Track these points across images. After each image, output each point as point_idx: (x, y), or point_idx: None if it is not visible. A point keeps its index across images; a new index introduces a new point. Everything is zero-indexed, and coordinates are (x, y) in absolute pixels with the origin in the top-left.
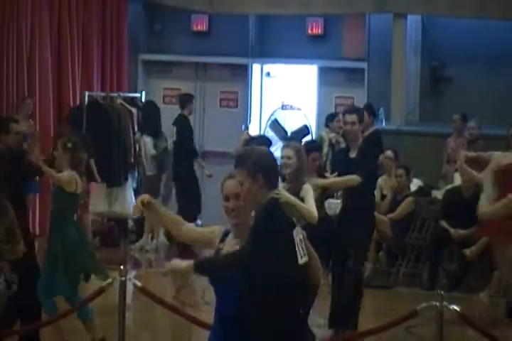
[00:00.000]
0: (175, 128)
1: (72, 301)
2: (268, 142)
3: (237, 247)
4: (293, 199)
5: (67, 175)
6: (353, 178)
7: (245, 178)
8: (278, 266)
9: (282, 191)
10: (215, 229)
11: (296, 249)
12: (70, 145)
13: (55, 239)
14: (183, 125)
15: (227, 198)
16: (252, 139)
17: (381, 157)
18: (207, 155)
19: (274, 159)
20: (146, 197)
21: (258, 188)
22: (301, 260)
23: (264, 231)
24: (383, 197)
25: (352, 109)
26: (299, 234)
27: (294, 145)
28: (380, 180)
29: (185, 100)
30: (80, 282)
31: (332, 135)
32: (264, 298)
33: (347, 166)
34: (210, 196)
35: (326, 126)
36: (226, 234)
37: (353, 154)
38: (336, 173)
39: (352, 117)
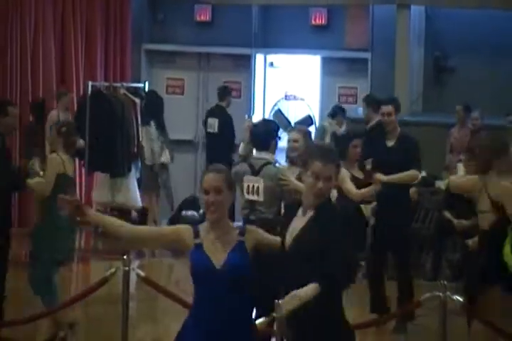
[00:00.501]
0: (216, 121)
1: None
2: (276, 126)
3: (218, 242)
4: (300, 186)
5: (48, 176)
6: (415, 174)
7: (334, 173)
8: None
9: (290, 177)
10: (180, 227)
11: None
12: (64, 129)
13: (43, 222)
14: (225, 117)
15: (207, 192)
16: (256, 126)
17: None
18: None
19: None
20: (74, 200)
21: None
22: None
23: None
24: None
25: (388, 100)
26: None
27: (301, 128)
28: None
29: (224, 92)
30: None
31: (336, 127)
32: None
33: (385, 155)
34: None
35: (332, 117)
36: (197, 229)
37: (390, 143)
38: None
39: (388, 108)
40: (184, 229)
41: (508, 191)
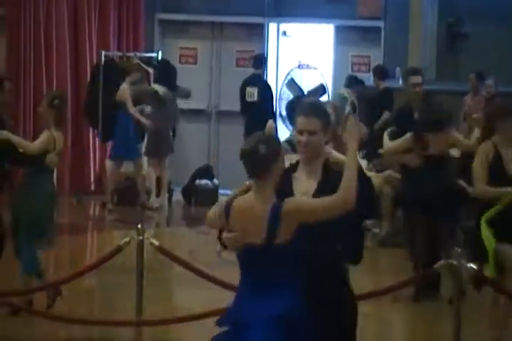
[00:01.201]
0: (256, 89)
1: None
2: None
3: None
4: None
5: (38, 144)
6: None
7: (322, 128)
8: None
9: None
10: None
11: None
12: (56, 101)
13: (29, 188)
14: (264, 85)
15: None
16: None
17: (385, 115)
18: (223, 115)
19: None
20: None
21: (323, 142)
22: None
23: None
24: None
25: (416, 70)
26: None
27: (332, 102)
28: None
29: (260, 60)
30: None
31: (353, 96)
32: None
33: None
34: (225, 157)
35: (348, 86)
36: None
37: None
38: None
39: (417, 78)
40: None
41: None
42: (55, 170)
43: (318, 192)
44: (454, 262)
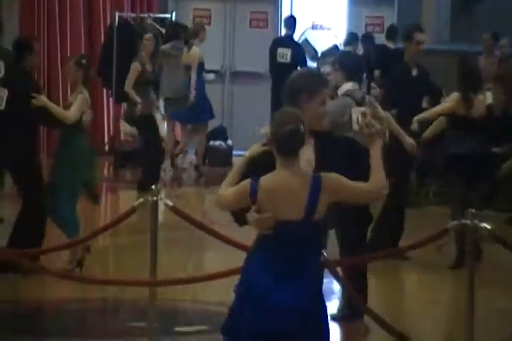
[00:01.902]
0: (289, 51)
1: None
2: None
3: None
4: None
5: (76, 111)
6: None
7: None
8: None
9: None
10: None
11: None
12: (84, 61)
13: (63, 150)
14: (298, 47)
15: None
16: (343, 56)
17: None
18: (237, 76)
19: None
20: None
21: None
22: None
23: None
24: None
25: (421, 28)
26: None
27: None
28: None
29: (292, 22)
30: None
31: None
32: None
33: (411, 84)
34: (239, 118)
35: (346, 44)
36: None
37: (414, 72)
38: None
39: (423, 36)
40: None
41: None
42: None
43: (320, 159)
44: (468, 222)
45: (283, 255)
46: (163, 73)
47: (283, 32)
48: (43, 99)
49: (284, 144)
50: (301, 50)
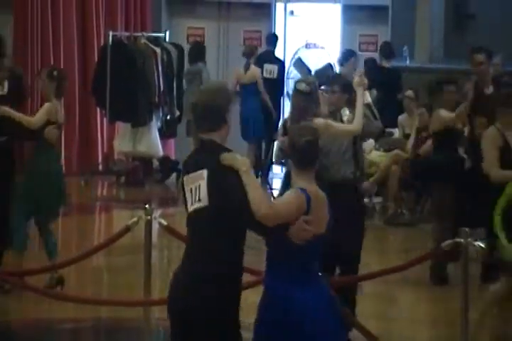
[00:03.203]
0: (276, 67)
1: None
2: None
3: None
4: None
5: (39, 116)
6: None
7: None
8: None
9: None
10: None
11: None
12: (55, 73)
13: (36, 166)
14: (282, 63)
15: None
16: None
17: (400, 95)
18: None
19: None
20: None
21: None
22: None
23: None
24: (405, 135)
25: (478, 48)
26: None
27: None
28: (400, 119)
29: (274, 39)
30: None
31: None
32: None
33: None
34: (234, 136)
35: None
36: None
37: (488, 91)
38: None
39: (480, 57)
40: None
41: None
42: (62, 148)
43: None
44: (462, 241)
45: (312, 266)
46: (187, 95)
47: (277, 51)
48: (4, 109)
49: (303, 155)
50: (283, 67)
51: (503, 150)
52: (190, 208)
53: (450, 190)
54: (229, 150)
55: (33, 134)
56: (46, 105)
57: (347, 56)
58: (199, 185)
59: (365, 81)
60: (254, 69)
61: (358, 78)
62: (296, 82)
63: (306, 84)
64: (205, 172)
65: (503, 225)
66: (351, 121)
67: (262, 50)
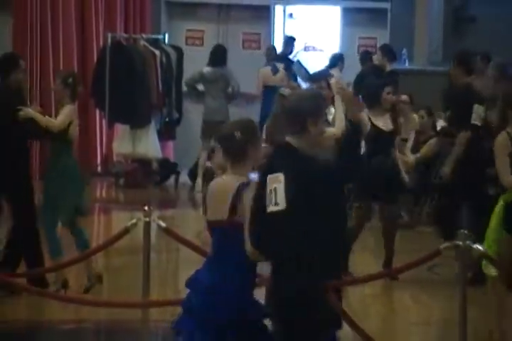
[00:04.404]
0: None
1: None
2: None
3: None
4: None
5: (63, 119)
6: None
7: None
8: None
9: None
10: None
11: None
12: (70, 80)
13: (54, 171)
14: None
15: None
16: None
17: (395, 97)
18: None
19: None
20: None
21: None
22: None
23: None
24: (402, 140)
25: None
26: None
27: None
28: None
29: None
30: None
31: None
32: None
33: None
34: None
35: (331, 67)
36: None
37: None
38: None
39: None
40: None
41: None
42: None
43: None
44: (460, 243)
45: None
46: (205, 98)
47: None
48: (28, 111)
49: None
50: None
51: None
52: (267, 209)
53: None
54: (307, 158)
55: (49, 134)
56: (67, 107)
57: (335, 60)
58: (275, 188)
59: (344, 86)
60: (283, 71)
61: (335, 83)
62: (281, 87)
63: (290, 88)
64: (281, 176)
65: (504, 215)
66: (332, 123)
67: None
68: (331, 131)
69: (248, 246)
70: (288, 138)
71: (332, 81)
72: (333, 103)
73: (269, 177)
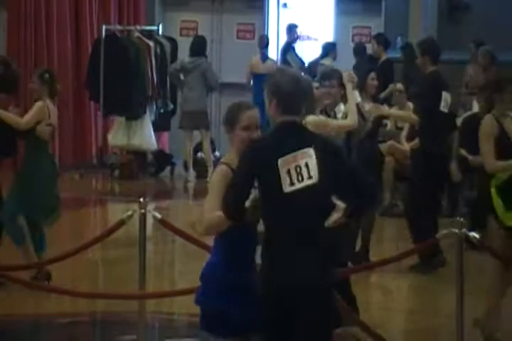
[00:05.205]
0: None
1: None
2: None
3: None
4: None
5: (28, 118)
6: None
7: (266, 98)
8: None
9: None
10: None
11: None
12: (47, 76)
13: (29, 168)
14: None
15: (247, 128)
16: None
17: (391, 87)
18: (224, 87)
19: (299, 85)
20: None
21: (273, 112)
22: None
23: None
24: (397, 128)
25: None
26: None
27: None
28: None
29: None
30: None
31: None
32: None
33: None
34: None
35: (323, 56)
36: (230, 168)
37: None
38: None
39: None
40: (228, 175)
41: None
42: (57, 143)
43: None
44: (456, 231)
45: None
46: (183, 87)
47: (270, 43)
48: None
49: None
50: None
51: (499, 138)
52: (291, 188)
53: None
54: (318, 135)
55: (21, 132)
56: (37, 104)
57: (327, 50)
58: (306, 163)
59: (355, 79)
60: (271, 60)
61: (347, 74)
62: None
63: None
64: (311, 150)
65: (499, 195)
66: (345, 117)
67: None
68: (343, 122)
69: (209, 222)
70: (292, 118)
71: (344, 73)
72: (343, 100)
73: (297, 153)
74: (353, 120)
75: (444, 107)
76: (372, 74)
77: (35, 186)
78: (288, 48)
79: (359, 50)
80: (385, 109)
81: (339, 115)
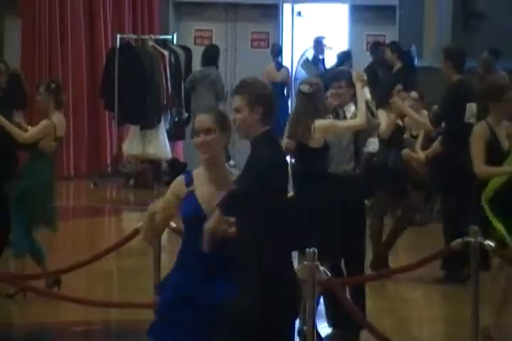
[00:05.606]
0: None
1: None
2: None
3: (212, 185)
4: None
5: (32, 134)
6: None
7: (244, 106)
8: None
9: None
10: (174, 186)
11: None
12: (53, 86)
13: (28, 176)
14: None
15: (197, 133)
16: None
17: (405, 94)
18: None
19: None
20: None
21: (255, 120)
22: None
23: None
24: (412, 136)
25: None
26: None
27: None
28: (406, 120)
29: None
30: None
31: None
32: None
33: None
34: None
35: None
36: (189, 178)
37: None
38: None
39: None
40: (178, 185)
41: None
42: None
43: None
44: (472, 240)
45: None
46: (194, 96)
47: (284, 51)
48: (0, 119)
49: None
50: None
51: (490, 144)
52: None
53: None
54: None
55: (25, 145)
56: (43, 123)
57: (342, 58)
58: None
59: (364, 77)
60: (286, 68)
61: (356, 73)
62: (300, 84)
63: (309, 85)
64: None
65: (493, 213)
66: (354, 117)
67: None
68: (351, 122)
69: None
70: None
71: (353, 72)
72: (353, 100)
73: None
74: (362, 119)
75: (468, 118)
76: (399, 86)
77: (30, 195)
78: (316, 62)
79: (375, 49)
80: (404, 105)
81: (349, 115)
